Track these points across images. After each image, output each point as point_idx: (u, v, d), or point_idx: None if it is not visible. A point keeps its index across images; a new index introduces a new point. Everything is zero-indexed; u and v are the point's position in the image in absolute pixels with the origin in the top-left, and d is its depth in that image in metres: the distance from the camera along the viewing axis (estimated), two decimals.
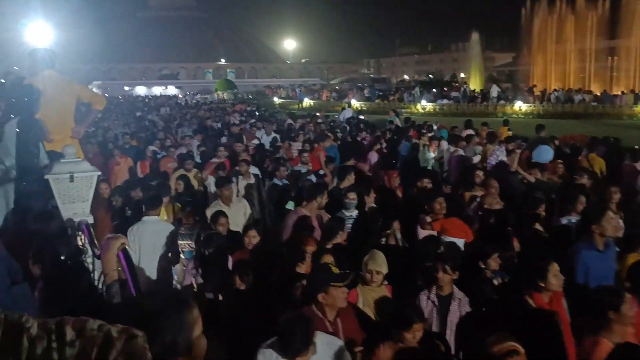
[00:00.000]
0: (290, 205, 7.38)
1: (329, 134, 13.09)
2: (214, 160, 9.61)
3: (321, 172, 9.29)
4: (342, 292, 3.57)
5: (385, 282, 4.44)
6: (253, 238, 5.59)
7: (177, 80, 79.54)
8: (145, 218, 5.94)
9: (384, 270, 4.32)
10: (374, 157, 11.24)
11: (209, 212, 6.37)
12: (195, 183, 8.83)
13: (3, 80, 10.22)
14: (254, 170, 8.94)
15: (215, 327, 3.60)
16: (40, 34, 31.10)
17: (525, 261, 4.98)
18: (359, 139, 13.89)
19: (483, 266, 4.69)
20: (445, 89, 38.64)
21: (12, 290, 1.45)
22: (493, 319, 3.92)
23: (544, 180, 8.21)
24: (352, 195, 6.39)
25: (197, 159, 10.52)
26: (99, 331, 1.21)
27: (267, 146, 12.55)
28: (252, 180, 8.47)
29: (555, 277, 3.91)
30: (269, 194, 8.38)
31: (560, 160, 9.28)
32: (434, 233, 5.79)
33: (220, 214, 5.91)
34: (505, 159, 9.27)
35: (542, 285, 3.91)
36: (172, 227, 6.10)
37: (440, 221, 5.95)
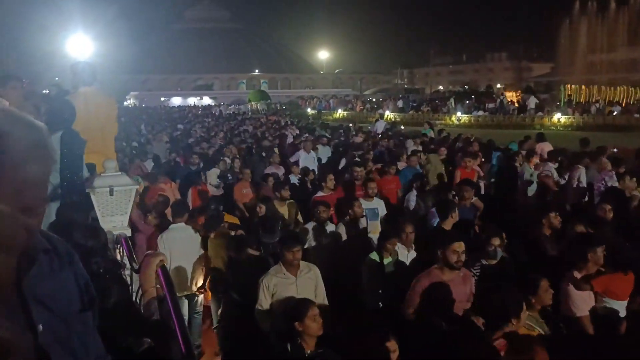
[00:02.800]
0: (374, 255, 5.36)
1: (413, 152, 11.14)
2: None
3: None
4: None
5: None
6: None
7: (212, 91, 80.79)
8: (172, 225, 6.08)
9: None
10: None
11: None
12: (285, 213, 7.28)
13: (47, 91, 10.54)
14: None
15: None
16: (80, 45, 31.97)
17: None
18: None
19: None
20: (481, 100, 38.15)
21: (81, 317, 1.42)
22: None
23: None
24: (497, 241, 5.15)
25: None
26: None
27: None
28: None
29: None
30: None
31: None
32: (592, 296, 4.51)
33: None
34: (616, 183, 7.79)
35: None
36: (197, 234, 6.15)
37: (601, 279, 4.49)
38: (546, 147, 12.06)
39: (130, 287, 3.65)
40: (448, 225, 5.90)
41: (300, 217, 7.53)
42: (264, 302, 4.60)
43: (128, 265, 3.87)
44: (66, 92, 6.09)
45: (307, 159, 11.93)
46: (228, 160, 11.22)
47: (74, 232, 4.05)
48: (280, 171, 10.61)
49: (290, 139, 16.50)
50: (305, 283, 4.68)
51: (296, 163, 11.17)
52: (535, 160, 10.43)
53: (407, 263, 5.41)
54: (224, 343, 5.47)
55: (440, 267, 4.43)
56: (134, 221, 5.74)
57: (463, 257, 4.38)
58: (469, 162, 9.42)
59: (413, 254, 5.53)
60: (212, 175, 10.08)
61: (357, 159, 11.06)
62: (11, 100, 5.80)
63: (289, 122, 26.52)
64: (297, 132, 19.37)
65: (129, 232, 4.51)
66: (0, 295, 1.18)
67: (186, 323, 6.24)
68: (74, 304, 1.36)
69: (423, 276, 4.43)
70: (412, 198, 8.11)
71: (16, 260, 1.22)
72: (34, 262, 1.27)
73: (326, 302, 4.77)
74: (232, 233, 5.90)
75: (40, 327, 1.22)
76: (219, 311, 5.56)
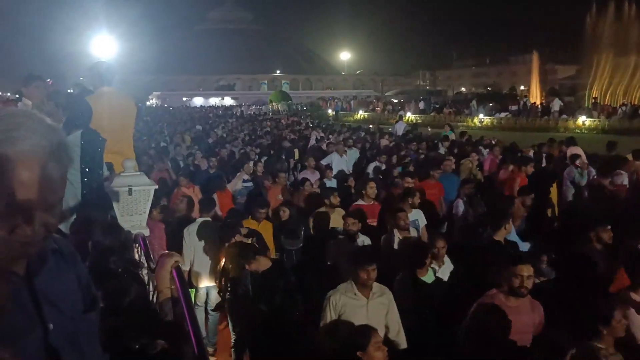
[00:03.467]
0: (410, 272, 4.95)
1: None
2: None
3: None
4: None
5: None
6: None
7: (233, 92, 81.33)
8: (199, 219, 6.50)
9: None
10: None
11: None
12: (338, 222, 6.61)
13: (71, 90, 10.67)
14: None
15: None
16: (104, 45, 32.47)
17: None
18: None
19: None
20: (504, 102, 37.69)
21: (86, 317, 1.44)
22: None
23: None
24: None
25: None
26: None
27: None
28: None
29: None
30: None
31: None
32: None
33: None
34: None
35: None
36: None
37: None
38: (577, 151, 11.75)
39: (148, 287, 3.66)
40: (500, 236, 5.51)
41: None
42: (329, 322, 4.26)
43: (146, 264, 3.88)
44: (89, 91, 6.15)
45: (340, 163, 11.43)
46: (251, 164, 10.50)
47: (94, 231, 4.09)
48: (315, 176, 10.04)
49: (312, 142, 16.05)
50: (376, 307, 4.28)
51: (328, 167, 10.64)
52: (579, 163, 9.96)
53: (445, 279, 5.04)
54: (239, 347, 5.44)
55: (503, 291, 3.90)
56: None
57: (529, 284, 3.85)
58: (524, 168, 8.77)
59: (449, 267, 5.17)
60: (238, 180, 9.56)
61: (381, 164, 10.81)
62: (34, 100, 5.89)
63: (314, 124, 26.34)
64: (322, 134, 18.67)
65: (147, 232, 4.52)
66: (13, 294, 1.21)
67: (206, 314, 6.31)
68: (79, 304, 1.38)
69: (484, 301, 3.92)
70: (460, 205, 7.63)
71: (26, 260, 1.25)
72: (45, 262, 1.30)
73: (402, 330, 4.35)
74: (249, 240, 5.75)
75: (51, 325, 1.24)
76: (235, 326, 5.47)
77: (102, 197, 4.56)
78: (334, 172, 10.33)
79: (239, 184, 9.41)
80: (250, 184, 9.55)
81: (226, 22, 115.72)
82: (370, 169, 10.88)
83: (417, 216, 6.77)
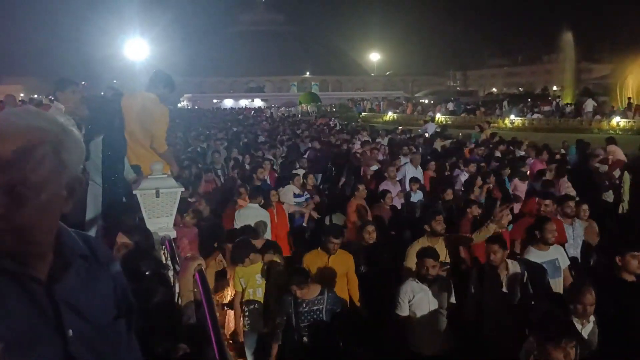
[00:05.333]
0: None
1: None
2: None
3: None
4: None
5: None
6: None
7: (263, 93, 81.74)
8: (249, 204, 7.29)
9: None
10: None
11: None
12: (442, 253, 5.49)
13: (103, 93, 10.91)
14: None
15: None
16: (137, 49, 33.04)
17: None
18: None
19: None
20: (537, 103, 36.96)
21: (116, 325, 1.43)
22: None
23: None
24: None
25: None
26: None
27: None
28: None
29: None
30: None
31: None
32: None
33: None
34: None
35: None
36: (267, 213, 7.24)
37: None
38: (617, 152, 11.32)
39: (173, 289, 3.72)
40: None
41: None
42: (403, 309, 4.86)
43: (171, 267, 3.95)
44: (121, 94, 6.28)
45: (415, 176, 9.80)
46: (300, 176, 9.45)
47: (132, 231, 4.17)
48: (397, 188, 8.96)
49: (357, 146, 14.63)
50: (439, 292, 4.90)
51: (401, 181, 9.47)
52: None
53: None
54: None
55: None
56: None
57: None
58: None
59: (594, 329, 4.06)
60: (288, 194, 8.68)
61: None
62: (68, 104, 6.05)
63: (344, 126, 25.79)
64: (367, 137, 17.03)
65: (174, 234, 4.59)
66: (30, 299, 1.19)
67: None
68: (110, 311, 1.35)
69: None
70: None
71: (49, 264, 1.24)
72: (69, 266, 1.28)
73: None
74: (274, 257, 5.59)
75: (70, 332, 1.22)
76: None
77: (129, 200, 4.65)
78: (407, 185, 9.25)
79: (287, 198, 8.57)
80: (302, 198, 8.76)
81: (257, 24, 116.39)
82: (458, 180, 9.55)
83: (556, 253, 5.45)
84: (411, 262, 5.28)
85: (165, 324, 2.73)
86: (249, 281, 5.51)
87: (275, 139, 18.39)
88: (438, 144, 15.11)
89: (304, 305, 4.76)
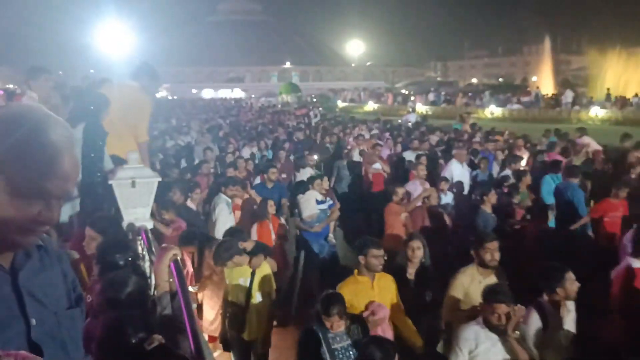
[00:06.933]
0: None
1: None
2: None
3: None
4: None
5: None
6: None
7: (243, 84, 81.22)
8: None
9: None
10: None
11: None
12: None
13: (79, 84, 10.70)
14: None
15: None
16: (114, 38, 32.51)
17: None
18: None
19: None
20: (515, 93, 37.33)
21: (69, 313, 1.45)
22: None
23: None
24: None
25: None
26: None
27: None
28: None
29: None
30: None
31: None
32: None
33: None
34: None
35: None
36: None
37: None
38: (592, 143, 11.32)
39: (149, 280, 3.65)
40: None
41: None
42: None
43: (148, 257, 3.87)
44: (98, 83, 6.15)
45: (463, 174, 8.77)
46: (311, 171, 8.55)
47: (96, 223, 4.08)
48: (425, 187, 7.80)
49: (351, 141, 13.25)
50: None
51: (445, 179, 8.31)
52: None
53: None
54: None
55: None
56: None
57: None
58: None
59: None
60: (311, 200, 7.29)
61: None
62: (41, 92, 5.90)
63: (323, 116, 25.75)
64: (375, 131, 15.87)
65: (150, 225, 4.49)
66: None
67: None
68: (63, 300, 1.40)
69: None
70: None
71: (13, 255, 1.27)
72: (30, 257, 1.32)
73: None
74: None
75: (34, 320, 1.26)
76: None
77: (105, 190, 4.55)
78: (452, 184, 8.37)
79: (311, 206, 7.25)
80: (326, 204, 7.45)
81: (236, 14, 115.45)
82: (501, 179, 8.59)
83: None
84: (458, 294, 4.50)
85: (137, 314, 2.67)
86: (233, 283, 5.20)
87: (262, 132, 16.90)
88: (434, 138, 14.12)
89: (337, 339, 3.84)
